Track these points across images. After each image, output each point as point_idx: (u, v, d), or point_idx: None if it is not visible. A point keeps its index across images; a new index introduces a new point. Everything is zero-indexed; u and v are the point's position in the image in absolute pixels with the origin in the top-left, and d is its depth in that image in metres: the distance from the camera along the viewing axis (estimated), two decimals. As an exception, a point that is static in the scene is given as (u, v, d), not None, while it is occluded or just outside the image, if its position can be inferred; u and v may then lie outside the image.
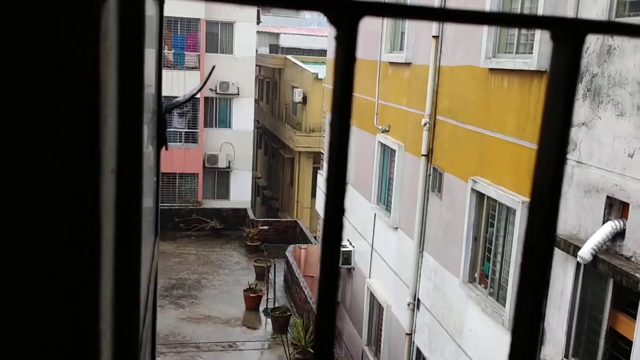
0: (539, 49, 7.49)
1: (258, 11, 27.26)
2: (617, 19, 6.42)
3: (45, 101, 0.51)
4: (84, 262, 0.57)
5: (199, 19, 25.44)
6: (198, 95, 25.14)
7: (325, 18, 0.45)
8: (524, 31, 8.22)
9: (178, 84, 23.92)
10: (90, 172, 0.55)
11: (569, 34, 0.48)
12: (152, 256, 1.66)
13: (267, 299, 17.29)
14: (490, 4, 8.70)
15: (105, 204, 0.61)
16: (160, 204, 2.29)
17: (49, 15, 0.49)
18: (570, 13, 6.94)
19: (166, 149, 1.65)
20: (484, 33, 8.80)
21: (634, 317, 6.04)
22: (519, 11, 8.27)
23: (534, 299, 0.49)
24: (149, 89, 1.38)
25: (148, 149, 1.27)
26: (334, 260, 0.49)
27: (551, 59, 0.48)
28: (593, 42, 6.64)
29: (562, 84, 0.48)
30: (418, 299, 11.17)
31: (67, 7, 0.49)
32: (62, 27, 0.50)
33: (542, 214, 0.48)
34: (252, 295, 17.49)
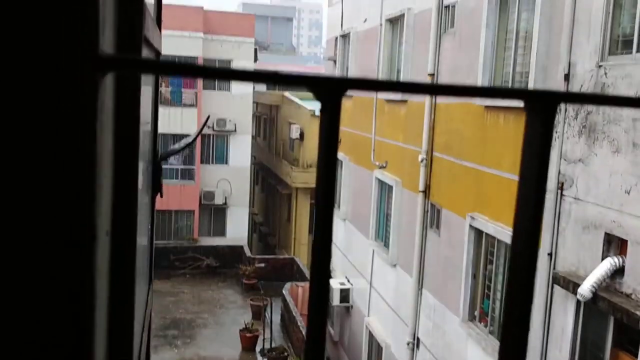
0: (534, 86, 7.57)
1: (255, 50, 27.62)
2: (610, 57, 6.50)
3: (43, 170, 0.53)
4: (77, 323, 0.58)
5: (197, 57, 25.74)
6: (194, 132, 25.27)
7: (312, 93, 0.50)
8: (518, 68, 8.33)
9: (175, 121, 24.07)
10: (85, 236, 0.56)
11: (541, 105, 0.51)
12: (145, 304, 1.62)
13: (263, 339, 17.02)
14: (483, 53, 8.80)
15: (99, 266, 0.60)
16: (155, 242, 2.26)
17: (49, 88, 0.51)
18: (564, 52, 7.04)
19: (161, 196, 1.63)
20: (480, 70, 8.91)
21: (636, 355, 5.95)
22: (512, 52, 8.38)
23: (519, 325, 0.52)
24: (145, 134, 1.37)
25: (143, 198, 1.26)
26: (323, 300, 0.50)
27: (525, 126, 0.51)
28: (587, 79, 6.71)
29: (536, 150, 0.51)
30: (418, 338, 11.01)
31: (67, 81, 0.51)
32: (62, 100, 0.52)
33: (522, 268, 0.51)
34: (248, 335, 17.23)
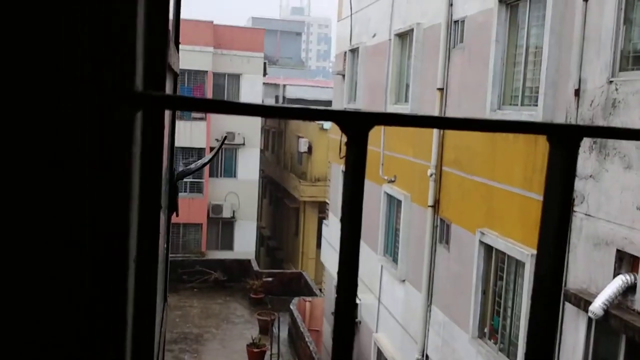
0: (544, 102, 7.56)
1: (264, 64, 27.78)
2: (621, 72, 6.49)
3: (82, 197, 0.55)
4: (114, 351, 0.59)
5: (206, 71, 25.91)
6: (204, 145, 25.38)
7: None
8: (528, 84, 8.32)
9: (184, 134, 24.19)
10: (118, 264, 0.58)
11: (564, 139, 0.52)
12: (161, 322, 1.62)
13: (271, 355, 16.93)
14: (493, 68, 8.81)
15: (129, 294, 0.61)
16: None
17: (87, 123, 0.54)
18: (574, 68, 7.03)
19: (176, 215, 1.64)
20: (489, 85, 8.90)
21: (650, 374, 5.87)
22: (522, 67, 8.37)
23: (545, 345, 0.54)
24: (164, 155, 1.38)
25: (162, 219, 1.26)
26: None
27: (548, 158, 0.53)
28: (598, 95, 6.69)
29: (559, 182, 0.52)
30: (426, 355, 10.92)
31: (103, 117, 0.53)
32: (98, 136, 0.53)
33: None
34: (255, 350, 17.14)
